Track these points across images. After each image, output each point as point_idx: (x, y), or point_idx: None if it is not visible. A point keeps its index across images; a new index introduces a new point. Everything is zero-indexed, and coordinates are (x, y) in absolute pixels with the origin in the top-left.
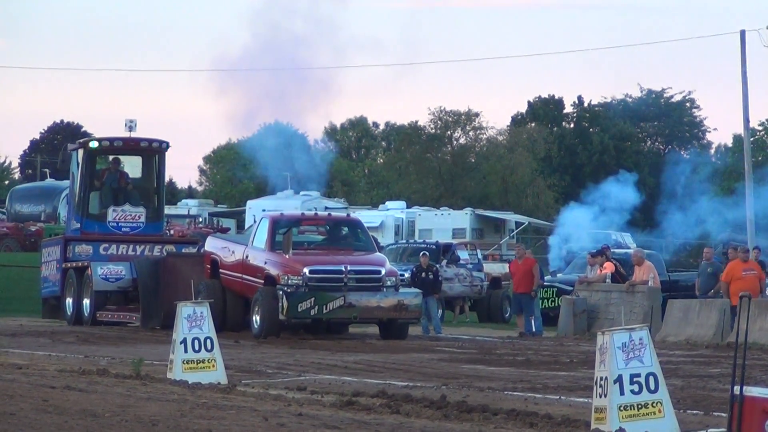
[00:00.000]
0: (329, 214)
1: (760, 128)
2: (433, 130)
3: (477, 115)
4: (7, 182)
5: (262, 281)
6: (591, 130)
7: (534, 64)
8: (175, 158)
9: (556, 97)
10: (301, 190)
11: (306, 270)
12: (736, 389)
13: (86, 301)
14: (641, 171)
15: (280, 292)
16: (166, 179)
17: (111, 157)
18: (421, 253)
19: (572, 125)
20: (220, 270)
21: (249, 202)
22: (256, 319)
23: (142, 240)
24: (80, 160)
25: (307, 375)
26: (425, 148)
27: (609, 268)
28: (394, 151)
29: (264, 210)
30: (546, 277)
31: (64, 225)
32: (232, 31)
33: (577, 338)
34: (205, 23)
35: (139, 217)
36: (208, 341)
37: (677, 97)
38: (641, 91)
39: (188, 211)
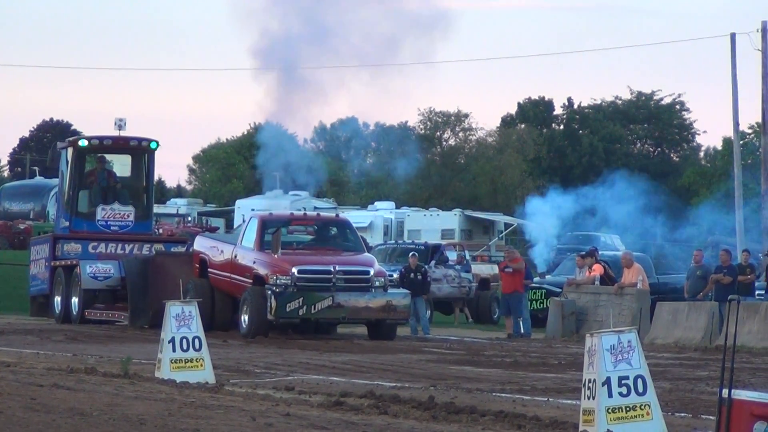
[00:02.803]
0: (318, 214)
1: (750, 131)
2: (423, 131)
3: (466, 116)
4: None
5: (251, 281)
6: (580, 131)
7: (524, 66)
8: (165, 157)
9: (546, 99)
10: (290, 189)
11: (294, 270)
12: (725, 392)
13: (75, 300)
14: (630, 173)
15: (269, 292)
16: (155, 178)
17: (97, 156)
18: (410, 254)
19: (562, 127)
20: (209, 269)
21: (238, 202)
22: (245, 318)
23: (131, 239)
24: (69, 159)
25: (295, 375)
26: (415, 149)
27: (598, 270)
28: (384, 152)
29: (253, 209)
30: (535, 279)
31: (53, 223)
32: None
33: (565, 340)
34: (197, 21)
35: (128, 216)
36: (197, 340)
37: (667, 100)
38: (631, 93)
39: (177, 210)
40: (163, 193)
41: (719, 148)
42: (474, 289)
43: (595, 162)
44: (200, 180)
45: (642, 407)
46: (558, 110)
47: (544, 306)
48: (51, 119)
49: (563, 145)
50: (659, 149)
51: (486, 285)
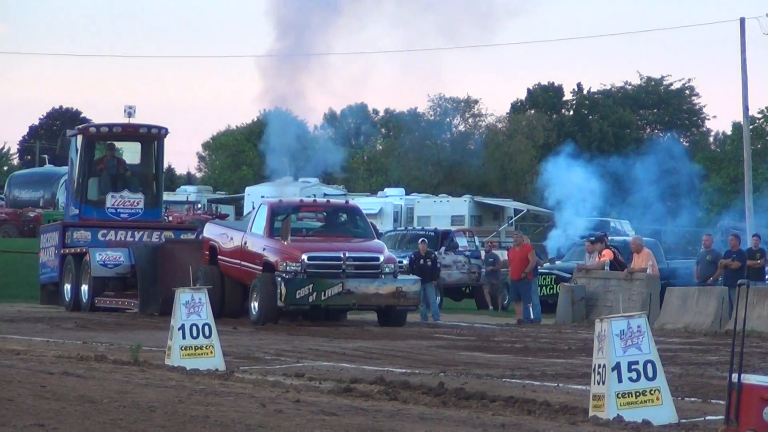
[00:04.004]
0: (328, 201)
1: (760, 116)
2: (433, 117)
3: (476, 102)
4: (6, 168)
5: (261, 268)
6: (590, 117)
7: (533, 51)
8: (174, 144)
9: (556, 85)
10: (299, 176)
11: (304, 257)
12: (734, 377)
13: (84, 287)
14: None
15: (279, 279)
16: (165, 165)
17: (107, 143)
18: (420, 240)
19: (571, 112)
20: (219, 256)
21: (248, 189)
22: (255, 305)
23: (141, 226)
24: (79, 147)
25: (305, 362)
26: (424, 135)
27: (607, 255)
28: (393, 138)
29: (263, 196)
30: (545, 265)
31: (63, 211)
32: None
33: (575, 325)
34: (207, 7)
35: (138, 204)
36: (206, 328)
37: (676, 85)
38: (640, 79)
39: (187, 197)
40: (173, 181)
41: (729, 132)
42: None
43: (605, 147)
44: (210, 167)
45: (652, 392)
46: (567, 96)
47: (554, 291)
48: (60, 107)
49: (573, 131)
50: (669, 134)
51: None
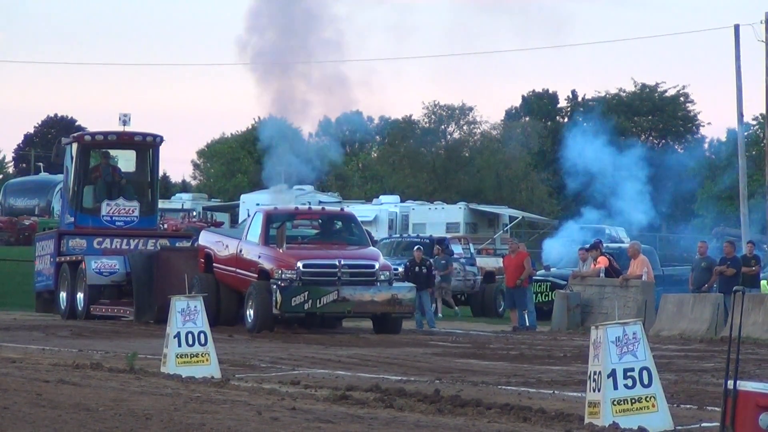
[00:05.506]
0: (323, 209)
1: (754, 123)
2: (427, 125)
3: (471, 109)
4: (0, 176)
5: (256, 275)
6: (585, 124)
7: (528, 59)
8: (169, 152)
9: (550, 92)
10: (294, 184)
11: (300, 264)
12: (730, 384)
13: (80, 295)
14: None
15: (274, 287)
16: (160, 173)
17: (102, 151)
18: (415, 248)
19: (566, 119)
20: (214, 264)
21: (243, 196)
22: (250, 313)
23: (136, 234)
24: (74, 154)
25: (300, 369)
26: (419, 143)
27: (603, 262)
28: (388, 146)
29: (258, 204)
30: (540, 272)
31: (58, 219)
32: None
33: (570, 332)
34: (201, 15)
35: (133, 211)
36: (202, 335)
37: (671, 92)
38: (635, 86)
39: (182, 205)
40: (168, 188)
41: (723, 139)
42: (479, 282)
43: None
44: (205, 175)
45: (647, 399)
46: (562, 103)
47: (550, 298)
48: (55, 115)
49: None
50: (663, 141)
51: (491, 278)
